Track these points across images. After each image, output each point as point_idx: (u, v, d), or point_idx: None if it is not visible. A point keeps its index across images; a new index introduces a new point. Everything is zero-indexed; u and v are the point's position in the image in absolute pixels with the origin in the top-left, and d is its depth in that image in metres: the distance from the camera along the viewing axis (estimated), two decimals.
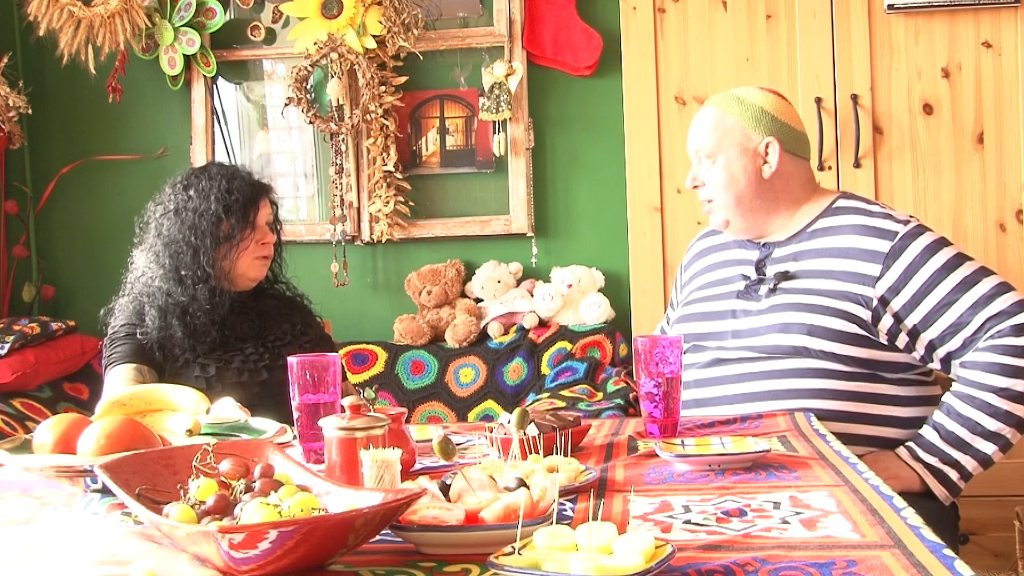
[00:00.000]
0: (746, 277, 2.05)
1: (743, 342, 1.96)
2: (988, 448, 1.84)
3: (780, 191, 2.04)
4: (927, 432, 1.87)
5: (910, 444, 1.88)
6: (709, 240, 2.23)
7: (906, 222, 1.94)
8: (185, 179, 2.29)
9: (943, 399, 1.90)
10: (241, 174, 2.29)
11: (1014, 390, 1.82)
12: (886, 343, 1.90)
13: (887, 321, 1.89)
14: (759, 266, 2.04)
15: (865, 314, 1.89)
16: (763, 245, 2.07)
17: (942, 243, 1.92)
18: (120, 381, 2.12)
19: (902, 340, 1.90)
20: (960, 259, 1.90)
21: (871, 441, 1.90)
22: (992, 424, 1.83)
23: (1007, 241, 2.99)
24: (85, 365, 3.33)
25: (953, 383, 1.89)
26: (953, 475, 1.86)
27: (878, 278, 1.89)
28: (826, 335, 1.88)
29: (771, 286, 1.98)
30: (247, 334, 2.26)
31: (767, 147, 2.02)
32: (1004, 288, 1.87)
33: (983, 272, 1.89)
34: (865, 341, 1.89)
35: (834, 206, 2.03)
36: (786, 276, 1.98)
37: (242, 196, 2.24)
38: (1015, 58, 2.98)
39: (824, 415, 1.85)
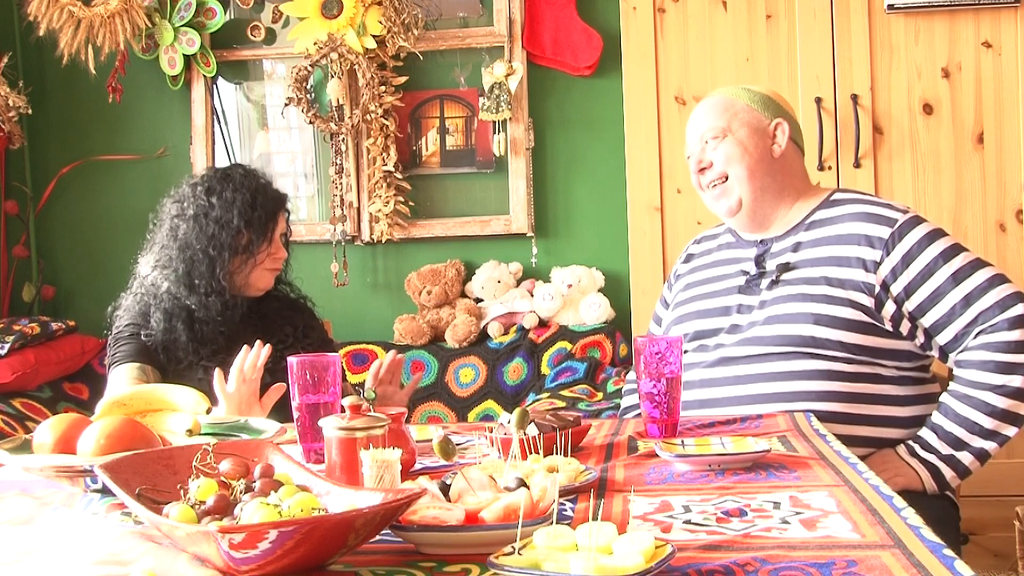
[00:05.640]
0: (746, 273, 2.05)
1: (747, 335, 1.96)
2: (987, 445, 1.85)
3: (786, 176, 2.06)
4: (926, 434, 1.88)
5: (909, 443, 1.89)
6: (704, 245, 2.23)
7: (905, 211, 1.96)
8: (207, 183, 2.25)
9: (940, 399, 1.90)
10: (264, 185, 2.26)
11: (1010, 386, 1.82)
12: (891, 330, 1.91)
13: (890, 307, 1.90)
14: (759, 261, 2.04)
15: (868, 301, 1.89)
16: (760, 242, 2.07)
17: (940, 233, 1.93)
18: (123, 380, 2.12)
19: (905, 326, 1.91)
20: (956, 250, 1.91)
21: (872, 442, 1.90)
22: (989, 423, 1.83)
23: (1007, 241, 2.99)
24: (85, 365, 3.33)
25: (950, 382, 1.90)
26: (948, 473, 1.86)
27: (879, 263, 1.90)
28: (833, 323, 1.88)
29: (773, 278, 1.98)
30: (251, 338, 2.26)
31: (776, 127, 2.05)
32: (997, 280, 1.87)
33: (977, 264, 1.89)
34: (871, 329, 1.89)
35: (831, 199, 2.05)
36: (787, 267, 1.98)
37: (264, 212, 2.22)
38: (1015, 58, 2.99)
39: (827, 417, 1.85)
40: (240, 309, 2.22)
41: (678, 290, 2.20)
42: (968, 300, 1.85)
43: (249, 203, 2.21)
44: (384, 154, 3.48)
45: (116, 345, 2.21)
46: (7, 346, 3.04)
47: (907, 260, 1.89)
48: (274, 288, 2.39)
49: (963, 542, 2.19)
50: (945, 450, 1.86)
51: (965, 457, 1.86)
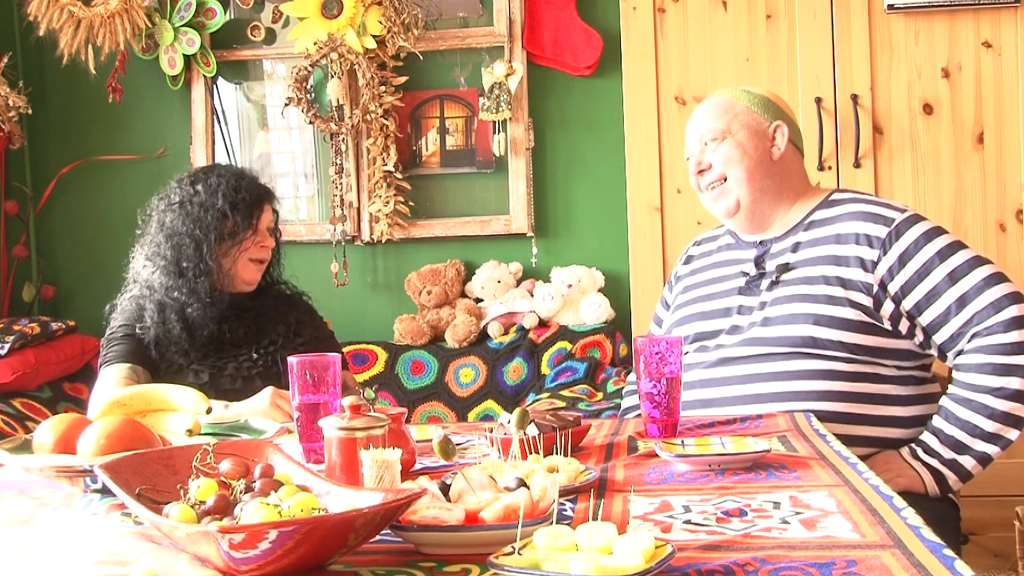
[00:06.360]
0: (746, 274, 2.05)
1: (748, 336, 1.96)
2: (989, 449, 1.85)
3: (784, 178, 2.06)
4: (927, 437, 1.87)
5: (912, 446, 1.89)
6: (704, 246, 2.23)
7: (903, 210, 1.96)
8: (192, 176, 2.31)
9: (940, 402, 1.89)
10: (248, 175, 2.32)
11: (1009, 388, 1.81)
12: (890, 329, 1.90)
13: (888, 306, 1.89)
14: (758, 262, 2.04)
15: (867, 301, 1.89)
16: (760, 243, 2.07)
17: (938, 231, 1.93)
18: (113, 380, 2.12)
19: (904, 325, 1.90)
20: (953, 248, 1.90)
21: (873, 442, 1.89)
22: (990, 425, 1.83)
23: (1007, 241, 2.99)
24: (85, 365, 3.33)
25: (950, 386, 1.89)
26: (951, 477, 1.86)
27: (876, 262, 1.90)
28: (833, 324, 1.88)
29: (773, 279, 1.98)
30: (242, 340, 2.26)
31: (776, 129, 2.05)
32: (993, 280, 1.86)
33: (975, 262, 1.88)
34: (871, 328, 1.89)
35: (830, 199, 2.05)
36: (787, 268, 1.98)
37: (249, 196, 2.26)
38: (1015, 58, 2.98)
39: (828, 417, 1.84)
40: (227, 296, 2.24)
41: (678, 292, 2.20)
42: (963, 300, 1.85)
43: (233, 187, 2.25)
44: (384, 154, 3.48)
45: (109, 345, 2.22)
46: (7, 346, 3.04)
47: (904, 259, 1.89)
48: (269, 287, 2.39)
49: (963, 542, 2.18)
50: (947, 454, 1.85)
51: (967, 461, 1.85)
